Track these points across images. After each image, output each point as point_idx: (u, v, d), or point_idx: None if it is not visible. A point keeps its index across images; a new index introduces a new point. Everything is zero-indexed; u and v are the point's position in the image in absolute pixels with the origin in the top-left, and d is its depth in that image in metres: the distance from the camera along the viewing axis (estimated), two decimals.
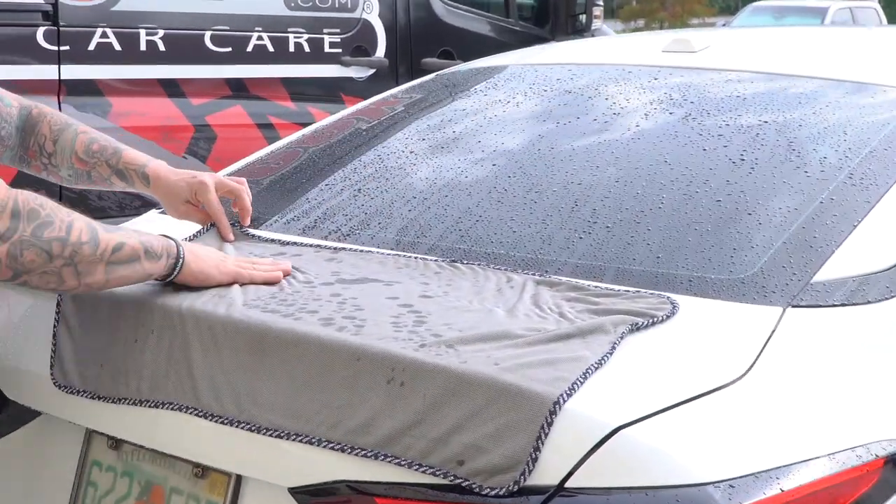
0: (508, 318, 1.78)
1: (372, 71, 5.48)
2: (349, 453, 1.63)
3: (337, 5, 5.29)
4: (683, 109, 2.44)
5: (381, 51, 5.55)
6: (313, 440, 1.67)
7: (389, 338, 1.69)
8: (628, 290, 1.89)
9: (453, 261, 2.04)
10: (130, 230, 1.90)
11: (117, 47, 4.52)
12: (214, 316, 1.80)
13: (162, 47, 4.67)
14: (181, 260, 1.91)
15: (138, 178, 2.23)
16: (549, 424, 1.53)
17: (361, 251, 2.13)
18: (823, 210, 2.05)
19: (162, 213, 2.41)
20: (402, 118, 2.78)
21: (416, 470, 1.58)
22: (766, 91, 2.51)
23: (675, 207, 2.11)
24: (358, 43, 5.44)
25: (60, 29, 4.34)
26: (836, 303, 1.86)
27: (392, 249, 2.13)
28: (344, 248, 2.15)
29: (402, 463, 1.59)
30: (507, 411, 1.55)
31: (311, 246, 2.18)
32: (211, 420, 1.76)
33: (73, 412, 1.98)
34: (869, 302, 1.88)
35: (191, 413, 1.78)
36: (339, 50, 5.35)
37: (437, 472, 1.56)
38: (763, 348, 1.75)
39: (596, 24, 6.82)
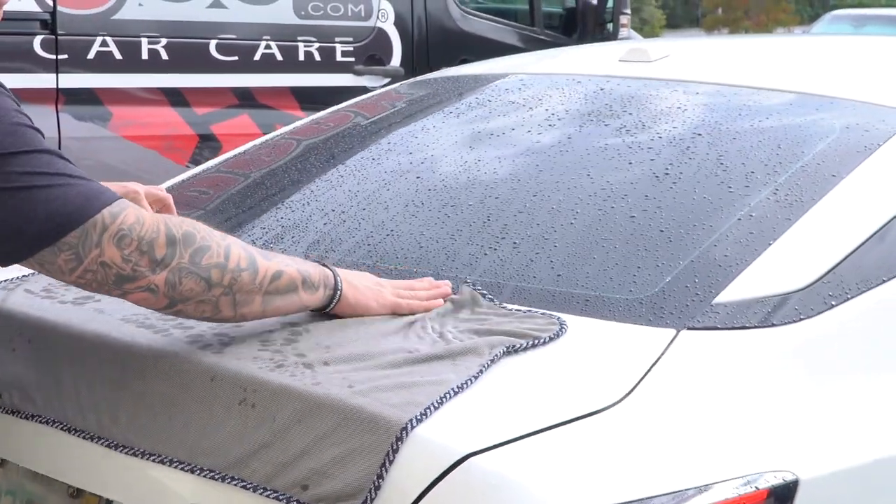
0: (384, 338, 1.73)
1: (387, 80, 5.43)
2: (199, 475, 1.59)
3: (350, 13, 5.26)
4: (620, 121, 2.37)
5: (396, 60, 5.51)
6: (166, 460, 1.63)
7: (249, 357, 1.64)
8: (520, 310, 1.83)
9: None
10: (287, 257, 1.78)
11: (118, 56, 4.53)
12: (84, 327, 1.76)
13: (165, 56, 4.67)
14: (339, 292, 1.80)
15: None
16: (395, 451, 1.48)
17: None
18: (740, 227, 1.97)
19: None
20: (338, 131, 2.73)
21: (260, 494, 1.54)
22: (708, 102, 2.44)
23: (587, 224, 2.04)
24: (372, 52, 5.40)
25: (58, 37, 4.36)
26: (734, 325, 1.78)
27: None
28: None
29: (248, 486, 1.55)
30: (354, 436, 1.51)
31: None
32: (75, 435, 1.73)
33: None
34: (773, 325, 1.80)
35: (57, 427, 1.75)
36: (352, 59, 5.32)
37: (280, 497, 1.53)
38: (647, 373, 1.68)
39: (623, 32, 6.73)
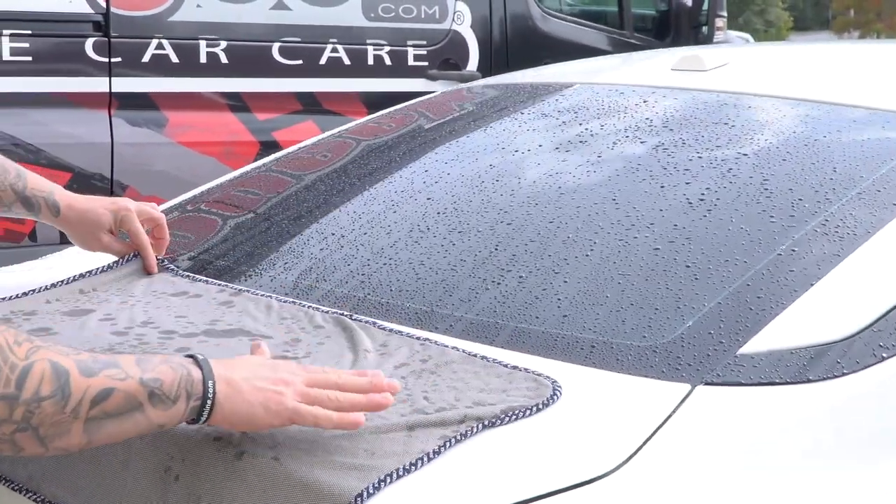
0: None
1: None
2: None
3: (423, 16, 5.06)
4: (658, 138, 2.13)
5: (472, 64, 5.29)
6: None
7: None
8: (506, 366, 1.58)
9: (343, 314, 1.77)
10: (132, 357, 1.36)
11: (174, 59, 4.38)
12: None
13: (224, 59, 4.51)
14: (209, 401, 1.35)
15: (47, 206, 1.97)
16: None
17: (261, 296, 1.88)
18: (778, 264, 1.72)
19: None
20: (357, 147, 2.53)
21: None
22: (760, 118, 2.18)
23: (605, 256, 1.81)
24: (447, 56, 5.20)
25: (111, 40, 4.22)
26: (760, 380, 1.54)
27: (287, 295, 1.88)
28: (247, 292, 1.90)
29: None
30: None
31: (218, 285, 1.94)
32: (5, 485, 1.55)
33: None
34: (807, 380, 1.55)
35: None
36: (426, 63, 5.12)
37: None
38: (651, 436, 1.44)
39: (719, 35, 6.42)
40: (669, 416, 1.47)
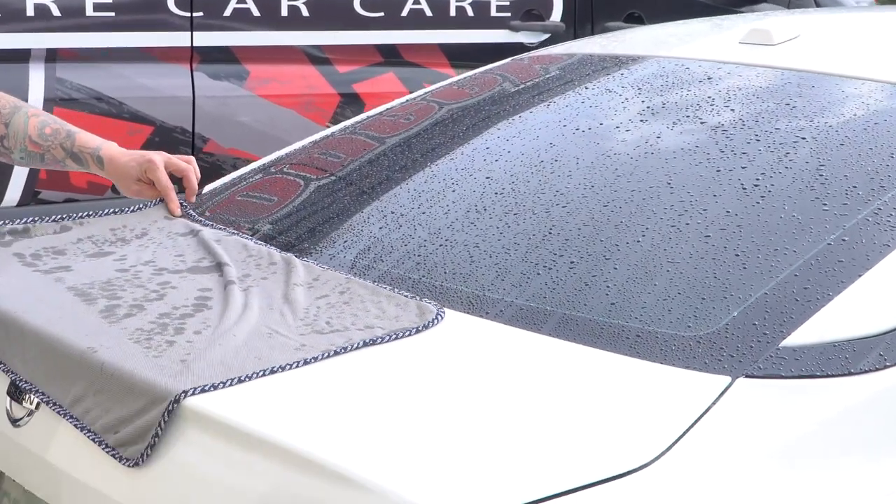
0: (258, 314, 1.81)
1: (546, 37, 5.18)
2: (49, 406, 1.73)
3: None
4: (719, 119, 2.13)
5: (556, 14, 5.25)
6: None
7: (131, 331, 1.78)
8: (406, 296, 1.82)
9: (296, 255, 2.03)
10: None
11: (255, 13, 4.41)
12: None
13: (305, 12, 4.53)
14: None
15: (93, 160, 2.29)
16: (170, 412, 1.57)
17: (241, 237, 2.15)
18: (827, 254, 1.73)
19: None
20: (423, 116, 2.56)
21: (86, 434, 1.66)
22: (823, 99, 2.17)
23: (656, 242, 1.83)
24: (530, 6, 5.16)
25: None
26: (802, 373, 1.56)
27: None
28: (235, 234, 2.16)
29: (77, 425, 1.67)
30: (143, 397, 1.62)
31: (219, 229, 2.19)
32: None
33: None
34: (850, 373, 1.57)
35: None
36: (508, 14, 5.09)
37: (96, 438, 1.65)
38: (688, 430, 1.47)
39: None
40: (708, 409, 1.50)
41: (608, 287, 1.76)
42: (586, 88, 2.42)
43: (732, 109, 2.16)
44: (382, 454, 1.43)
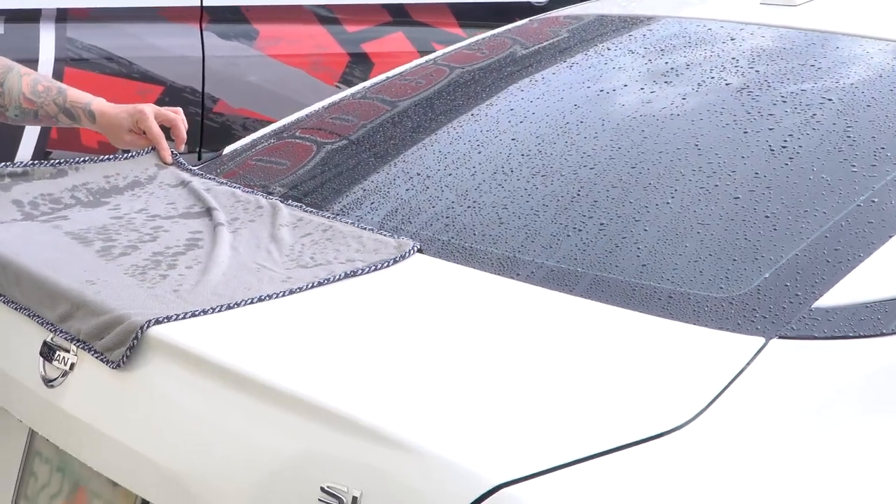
0: (247, 251, 1.93)
1: None
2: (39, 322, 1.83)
3: None
4: (743, 80, 2.13)
5: None
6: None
7: (126, 267, 1.89)
8: (386, 235, 1.92)
9: (282, 200, 2.13)
10: None
11: None
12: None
13: None
14: None
15: (84, 115, 2.41)
16: (144, 329, 1.67)
17: (230, 185, 2.24)
18: (858, 215, 1.74)
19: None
20: (446, 77, 2.55)
21: (75, 344, 1.76)
22: (847, 60, 2.17)
23: (685, 204, 1.84)
24: None
25: None
26: (836, 334, 1.57)
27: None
28: (225, 184, 2.25)
29: (67, 337, 1.77)
30: (129, 311, 1.72)
31: (209, 178, 2.29)
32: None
33: (11, 403, 1.89)
34: (882, 334, 1.58)
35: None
36: None
37: (84, 346, 1.74)
38: (723, 390, 1.48)
39: None
40: (743, 370, 1.51)
41: (639, 248, 1.77)
42: (608, 49, 2.42)
43: (757, 71, 2.16)
44: (409, 404, 1.45)
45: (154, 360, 1.67)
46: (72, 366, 1.75)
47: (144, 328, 1.67)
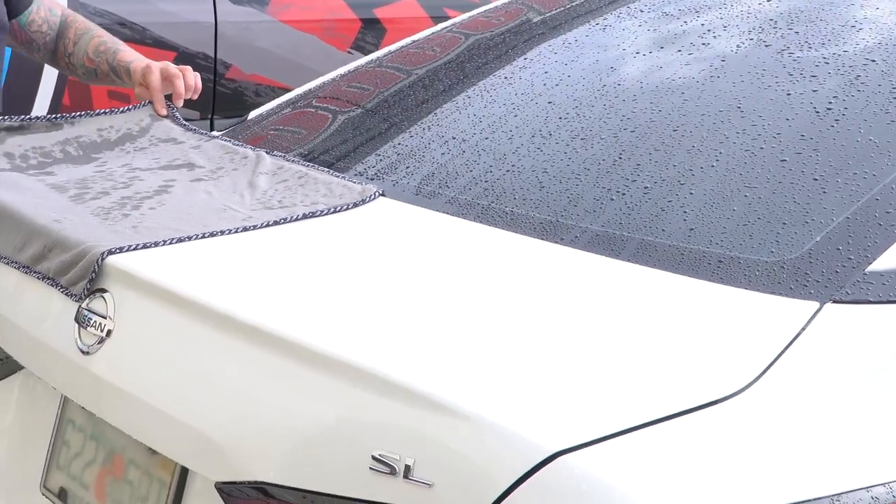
0: (220, 196, 1.98)
1: None
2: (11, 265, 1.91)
3: None
4: (784, 41, 2.10)
5: None
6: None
7: (93, 209, 1.95)
8: (356, 183, 1.98)
9: (267, 151, 2.17)
10: None
11: None
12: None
13: None
14: None
15: (124, 73, 2.49)
16: (103, 259, 1.75)
17: (222, 140, 2.28)
18: None
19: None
20: (470, 44, 2.51)
21: (46, 282, 1.84)
22: (892, 20, 2.13)
23: (731, 167, 1.80)
24: None
25: None
26: (890, 298, 1.54)
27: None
28: (217, 138, 2.29)
29: (40, 276, 1.85)
30: (88, 245, 1.79)
31: (200, 134, 2.33)
32: None
33: (45, 372, 1.86)
34: None
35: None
36: None
37: (53, 283, 1.82)
38: (779, 356, 1.46)
39: None
40: (798, 335, 1.48)
41: (685, 213, 1.73)
42: (641, 12, 2.38)
43: (796, 32, 2.12)
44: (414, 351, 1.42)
45: (193, 326, 1.64)
46: (108, 332, 1.72)
47: (100, 260, 1.74)
